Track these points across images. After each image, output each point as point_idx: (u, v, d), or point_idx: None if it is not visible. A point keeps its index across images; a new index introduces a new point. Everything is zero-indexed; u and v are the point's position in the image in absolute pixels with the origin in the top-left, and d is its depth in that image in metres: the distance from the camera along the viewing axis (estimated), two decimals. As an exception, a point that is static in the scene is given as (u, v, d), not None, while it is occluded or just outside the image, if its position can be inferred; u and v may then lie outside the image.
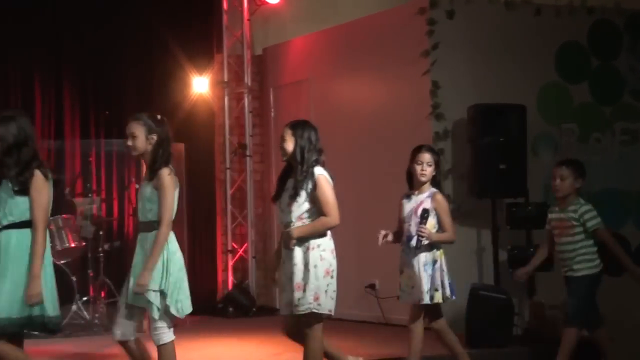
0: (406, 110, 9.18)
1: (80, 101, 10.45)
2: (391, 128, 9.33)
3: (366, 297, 9.40)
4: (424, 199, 6.27)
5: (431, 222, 6.22)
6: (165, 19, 10.55)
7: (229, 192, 10.89)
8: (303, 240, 5.56)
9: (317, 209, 5.57)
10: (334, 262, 5.63)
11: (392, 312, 9.10)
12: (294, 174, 5.66)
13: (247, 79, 11.01)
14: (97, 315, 9.03)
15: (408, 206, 6.34)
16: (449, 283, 6.29)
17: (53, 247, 8.88)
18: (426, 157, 6.32)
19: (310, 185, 5.58)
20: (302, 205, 5.58)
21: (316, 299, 5.52)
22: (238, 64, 11.03)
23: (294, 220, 5.59)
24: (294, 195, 5.58)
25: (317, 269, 5.54)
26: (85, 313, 8.97)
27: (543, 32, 9.29)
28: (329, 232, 5.64)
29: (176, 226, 9.92)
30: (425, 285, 6.18)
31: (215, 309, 10.28)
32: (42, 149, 10.09)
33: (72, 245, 9.02)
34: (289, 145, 5.69)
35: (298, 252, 5.56)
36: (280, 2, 10.98)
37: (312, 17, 10.72)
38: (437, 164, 6.35)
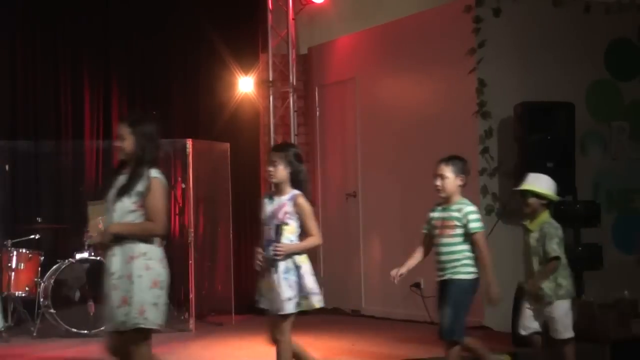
0: (452, 109, 9.12)
1: (128, 101, 10.53)
2: (437, 127, 9.28)
3: (412, 295, 9.35)
4: (286, 201, 5.69)
5: (292, 227, 5.68)
6: (211, 19, 10.61)
7: (274, 191, 10.89)
8: (124, 244, 5.13)
9: (144, 213, 5.15)
10: (163, 272, 5.17)
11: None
12: (127, 170, 5.24)
13: (292, 78, 11.01)
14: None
15: (269, 208, 5.73)
16: (317, 289, 5.71)
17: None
18: (273, 156, 5.75)
19: (141, 187, 5.14)
20: (128, 206, 5.14)
21: (141, 312, 5.07)
22: (283, 63, 11.04)
23: (116, 220, 5.16)
24: (121, 194, 5.15)
25: (141, 280, 5.07)
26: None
27: (592, 29, 9.17)
28: (157, 240, 5.21)
29: (222, 225, 10.09)
30: (286, 293, 5.60)
31: (259, 308, 10.26)
32: (91, 149, 10.22)
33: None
34: (128, 144, 5.20)
35: (117, 261, 5.12)
36: (325, 1, 10.97)
37: (357, 16, 10.70)
38: (292, 163, 5.69)
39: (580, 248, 8.53)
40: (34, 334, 8.63)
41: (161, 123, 10.27)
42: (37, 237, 9.03)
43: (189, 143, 9.31)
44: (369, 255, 10.04)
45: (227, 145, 9.91)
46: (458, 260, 5.83)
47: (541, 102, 8.55)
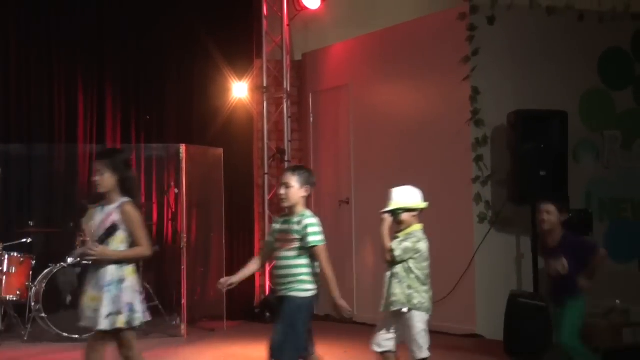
0: (446, 116, 9.13)
1: (121, 105, 10.53)
2: (431, 134, 9.29)
3: (404, 303, 9.34)
4: (113, 210, 5.37)
5: (121, 236, 5.34)
6: (205, 25, 10.62)
7: (267, 197, 10.90)
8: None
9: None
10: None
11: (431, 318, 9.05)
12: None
13: (287, 84, 11.02)
14: (135, 318, 9.04)
15: (98, 217, 5.42)
16: (139, 305, 5.37)
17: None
18: (97, 164, 5.46)
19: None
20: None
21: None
22: (277, 69, 11.05)
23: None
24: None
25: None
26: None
27: (586, 38, 9.20)
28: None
29: (215, 230, 10.08)
30: (106, 308, 5.26)
31: (252, 314, 10.29)
32: (84, 153, 10.20)
33: (112, 248, 9.05)
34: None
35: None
36: (320, 8, 10.98)
37: (351, 23, 10.72)
38: (118, 170, 5.39)
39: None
40: (25, 338, 8.61)
41: (155, 128, 10.49)
42: (29, 241, 9.01)
43: (183, 148, 9.30)
44: (361, 262, 10.04)
45: (221, 150, 9.91)
46: (294, 275, 5.47)
47: (534, 110, 8.57)
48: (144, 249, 5.36)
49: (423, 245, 5.83)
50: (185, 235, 9.30)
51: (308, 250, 5.46)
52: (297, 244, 5.47)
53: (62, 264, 8.77)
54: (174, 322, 9.32)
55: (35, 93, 10.12)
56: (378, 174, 9.98)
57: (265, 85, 10.97)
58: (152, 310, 9.16)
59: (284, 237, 5.56)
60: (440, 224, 8.83)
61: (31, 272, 8.83)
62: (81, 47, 10.35)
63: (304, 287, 5.47)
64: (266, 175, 10.92)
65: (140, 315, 5.32)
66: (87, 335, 8.38)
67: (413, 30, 9.66)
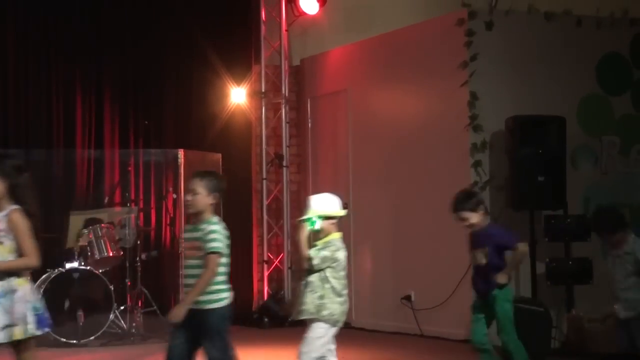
0: (444, 122, 9.14)
1: (120, 110, 10.53)
2: (429, 139, 9.29)
3: (402, 308, 9.35)
4: (1, 218, 5.09)
5: (8, 246, 5.08)
6: (203, 30, 10.62)
7: (265, 202, 10.90)
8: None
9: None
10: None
11: (428, 323, 9.06)
12: None
13: (285, 90, 11.03)
14: (134, 324, 9.06)
15: None
16: (38, 315, 5.13)
17: (92, 256, 8.95)
18: None
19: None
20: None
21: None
22: (276, 74, 11.05)
23: None
24: None
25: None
26: (122, 322, 9.00)
27: (584, 43, 9.20)
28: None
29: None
30: (0, 320, 5.02)
31: (250, 319, 10.28)
32: (82, 158, 10.20)
33: (111, 254, 9.06)
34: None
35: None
36: (318, 13, 10.99)
37: (350, 28, 10.73)
38: (8, 175, 5.10)
39: (570, 262, 8.54)
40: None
41: (153, 133, 10.49)
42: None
43: (181, 153, 9.31)
44: (359, 266, 10.03)
45: (219, 155, 9.92)
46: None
47: (533, 115, 8.57)
48: (31, 259, 5.10)
49: (341, 254, 5.65)
50: (182, 241, 9.28)
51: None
52: (202, 252, 5.32)
53: (59, 269, 8.76)
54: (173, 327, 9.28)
55: (33, 98, 10.11)
56: (376, 178, 9.99)
57: (263, 90, 10.98)
58: (150, 314, 9.29)
59: (191, 245, 5.42)
60: (438, 229, 8.84)
61: (29, 277, 8.79)
62: (79, 52, 10.34)
63: (219, 297, 5.35)
64: (264, 181, 10.92)
65: (33, 326, 5.07)
66: (85, 340, 8.45)
67: (411, 35, 9.66)
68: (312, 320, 5.58)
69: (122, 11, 10.53)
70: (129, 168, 10.08)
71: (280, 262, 10.90)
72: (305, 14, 11.00)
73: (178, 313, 5.28)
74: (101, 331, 8.59)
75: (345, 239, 10.11)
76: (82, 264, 8.90)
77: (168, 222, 10.19)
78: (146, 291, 9.32)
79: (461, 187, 8.78)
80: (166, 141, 10.52)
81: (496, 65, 8.87)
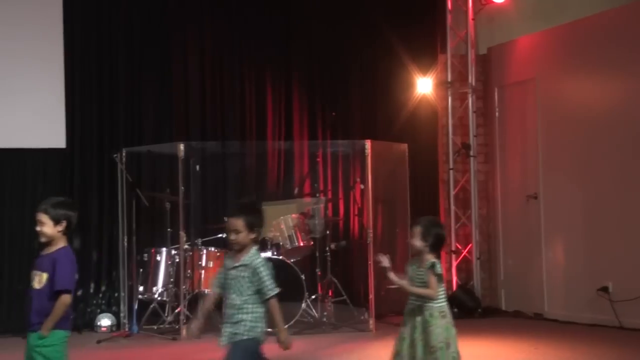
0: (637, 110, 8.84)
1: (308, 102, 10.75)
2: (627, 127, 9.01)
3: (598, 299, 9.11)
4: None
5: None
6: (389, 20, 10.67)
7: (452, 192, 10.87)
8: None
9: None
10: None
11: (627, 315, 8.80)
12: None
13: (472, 79, 10.94)
14: (325, 313, 9.24)
15: None
16: None
17: (283, 246, 9.20)
18: None
19: None
20: None
21: None
22: (462, 63, 10.98)
23: None
24: None
25: None
26: (313, 311, 9.20)
27: None
28: None
29: (400, 226, 10.12)
30: None
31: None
32: (273, 150, 10.48)
33: (301, 244, 9.29)
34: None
35: None
36: (506, 1, 10.84)
37: (538, 16, 10.51)
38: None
39: None
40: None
41: (340, 124, 10.65)
42: (224, 236, 9.33)
43: (368, 144, 9.39)
44: (551, 258, 9.84)
45: (405, 146, 9.94)
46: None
47: None
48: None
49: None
50: (371, 231, 9.39)
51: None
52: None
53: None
54: (362, 317, 9.44)
55: (228, 93, 10.44)
56: (568, 169, 9.76)
57: (449, 80, 10.94)
58: (340, 304, 9.45)
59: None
60: (637, 218, 8.58)
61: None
62: (270, 48, 10.60)
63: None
64: (451, 171, 10.89)
65: None
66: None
67: (601, 23, 9.38)
68: None
69: (310, 6, 10.73)
70: (318, 159, 10.27)
71: (469, 252, 10.84)
72: (492, 2, 10.88)
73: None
74: (294, 320, 8.77)
75: (535, 230, 10.06)
76: (275, 253, 9.15)
77: (356, 212, 10.32)
78: (336, 280, 9.49)
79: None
80: (353, 132, 10.65)
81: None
